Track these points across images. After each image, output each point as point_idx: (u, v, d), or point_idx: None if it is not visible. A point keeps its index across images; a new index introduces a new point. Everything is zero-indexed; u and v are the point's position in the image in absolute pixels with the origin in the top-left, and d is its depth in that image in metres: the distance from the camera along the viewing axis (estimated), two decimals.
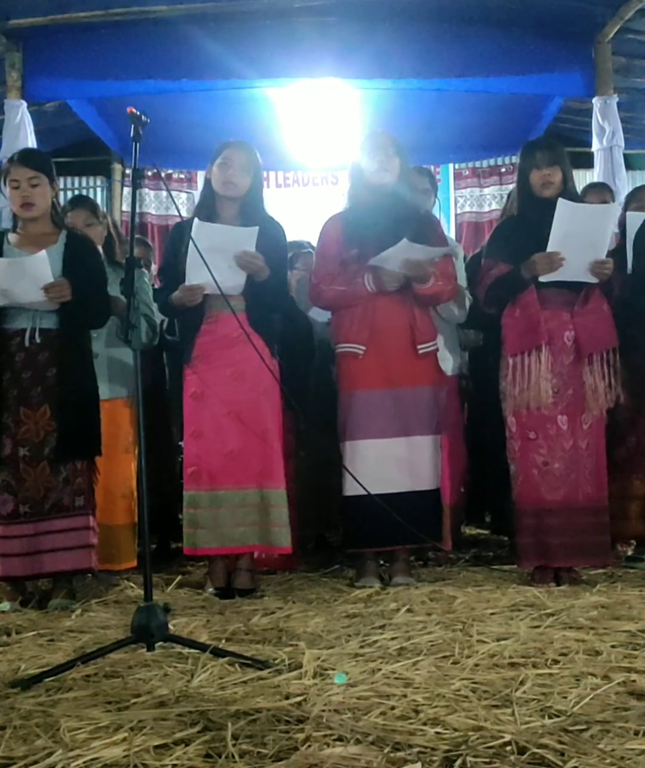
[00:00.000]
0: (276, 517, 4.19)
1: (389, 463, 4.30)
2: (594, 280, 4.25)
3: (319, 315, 5.07)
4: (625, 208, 5.09)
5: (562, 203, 4.17)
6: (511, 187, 5.47)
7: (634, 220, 4.78)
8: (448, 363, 4.80)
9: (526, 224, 4.33)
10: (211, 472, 4.20)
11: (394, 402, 4.32)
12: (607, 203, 5.14)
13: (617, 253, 4.64)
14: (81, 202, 4.92)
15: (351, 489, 4.26)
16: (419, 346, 4.37)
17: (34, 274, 3.93)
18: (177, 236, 4.35)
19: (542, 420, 4.27)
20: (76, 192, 9.39)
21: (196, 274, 4.06)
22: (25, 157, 4.16)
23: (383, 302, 4.34)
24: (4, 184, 4.14)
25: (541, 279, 4.24)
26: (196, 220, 4.15)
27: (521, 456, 4.31)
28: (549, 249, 4.18)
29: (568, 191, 4.33)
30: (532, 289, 4.26)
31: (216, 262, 3.93)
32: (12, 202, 4.14)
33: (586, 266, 4.20)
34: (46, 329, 4.03)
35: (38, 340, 4.02)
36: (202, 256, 3.81)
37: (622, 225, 4.82)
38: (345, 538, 4.55)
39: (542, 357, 4.25)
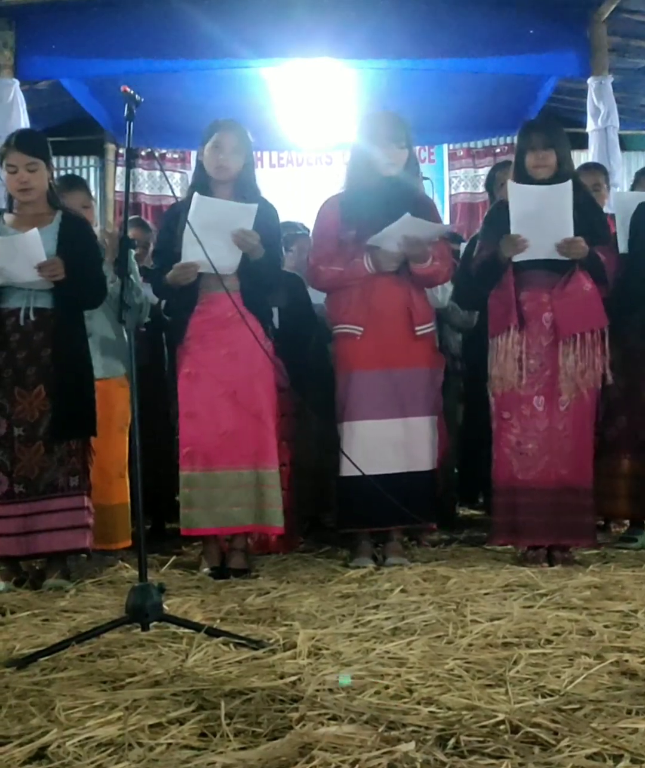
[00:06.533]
0: (270, 498, 4.20)
1: (385, 444, 4.30)
2: (566, 257, 4.23)
3: (315, 296, 5.04)
4: (632, 190, 5.09)
5: (511, 185, 4.22)
6: None
7: (625, 200, 4.77)
8: None
9: None
10: (206, 452, 4.20)
11: (392, 383, 4.32)
12: (600, 184, 5.12)
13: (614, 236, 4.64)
14: (77, 184, 4.88)
15: (347, 470, 4.26)
16: (417, 328, 4.36)
17: (26, 253, 3.92)
18: (173, 217, 4.33)
19: (518, 400, 4.29)
20: (69, 172, 9.33)
21: (191, 252, 4.04)
22: (22, 142, 4.09)
23: (381, 283, 4.33)
24: (1, 166, 4.11)
25: (514, 259, 4.24)
26: (195, 194, 4.14)
27: (497, 435, 4.34)
28: (511, 231, 4.19)
29: (563, 173, 4.30)
30: (510, 270, 4.27)
31: (212, 240, 3.91)
32: (9, 186, 4.11)
33: (554, 245, 4.19)
34: (41, 309, 4.02)
35: (33, 320, 4.00)
36: (195, 234, 3.79)
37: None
38: (340, 518, 4.56)
39: (511, 338, 4.25)
